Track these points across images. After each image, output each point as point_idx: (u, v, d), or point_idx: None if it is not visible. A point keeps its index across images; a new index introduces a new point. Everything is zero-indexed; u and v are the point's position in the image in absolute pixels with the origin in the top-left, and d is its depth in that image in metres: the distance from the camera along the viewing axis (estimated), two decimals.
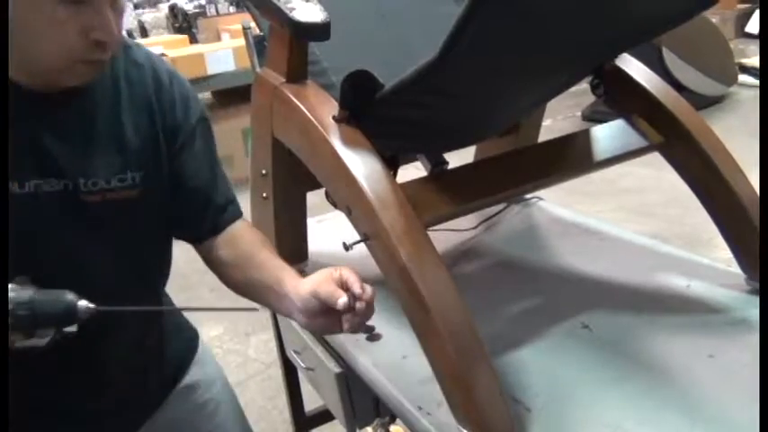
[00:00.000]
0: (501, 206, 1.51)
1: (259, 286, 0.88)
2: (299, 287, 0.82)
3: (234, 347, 2.58)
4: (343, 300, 0.76)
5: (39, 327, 0.71)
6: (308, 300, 0.80)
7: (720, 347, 0.96)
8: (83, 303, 0.72)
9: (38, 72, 0.74)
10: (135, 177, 0.84)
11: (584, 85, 1.21)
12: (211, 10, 7.11)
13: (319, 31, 0.95)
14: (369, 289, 0.78)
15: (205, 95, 4.55)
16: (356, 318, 0.78)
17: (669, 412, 0.85)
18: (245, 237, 0.94)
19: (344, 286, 0.78)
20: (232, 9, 6.95)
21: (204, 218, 0.93)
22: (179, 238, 0.96)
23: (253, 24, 1.29)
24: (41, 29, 0.69)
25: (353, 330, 0.80)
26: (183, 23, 7.32)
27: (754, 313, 1.03)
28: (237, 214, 0.96)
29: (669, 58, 4.30)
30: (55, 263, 0.80)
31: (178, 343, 1.06)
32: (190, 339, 1.10)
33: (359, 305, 0.77)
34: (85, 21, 0.70)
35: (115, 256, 0.86)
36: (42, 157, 0.77)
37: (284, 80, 1.03)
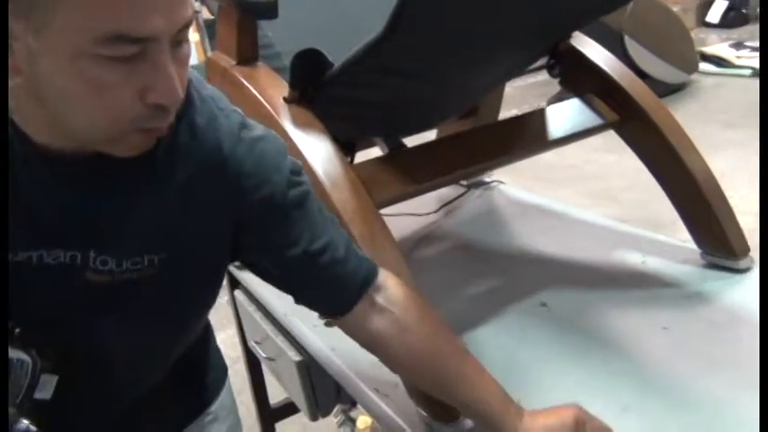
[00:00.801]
0: (461, 189, 1.51)
1: (462, 408, 0.76)
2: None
3: None
4: None
5: None
6: None
7: (675, 320, 0.97)
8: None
9: (79, 141, 0.57)
10: (153, 260, 0.65)
11: (548, 76, 1.21)
12: None
13: (266, 9, 0.93)
14: None
15: None
16: None
17: (625, 385, 0.85)
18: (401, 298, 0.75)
19: None
20: (197, 3, 6.86)
21: (325, 297, 0.75)
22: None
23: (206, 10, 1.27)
24: (86, 95, 0.52)
25: None
26: None
27: (707, 286, 1.04)
28: (370, 279, 0.74)
29: (631, 45, 4.35)
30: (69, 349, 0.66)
31: (204, 381, 0.94)
32: (217, 378, 0.98)
33: None
34: (142, 80, 0.52)
35: (129, 334, 0.69)
36: (39, 224, 0.61)
37: (234, 62, 1.01)
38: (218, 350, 0.99)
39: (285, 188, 0.68)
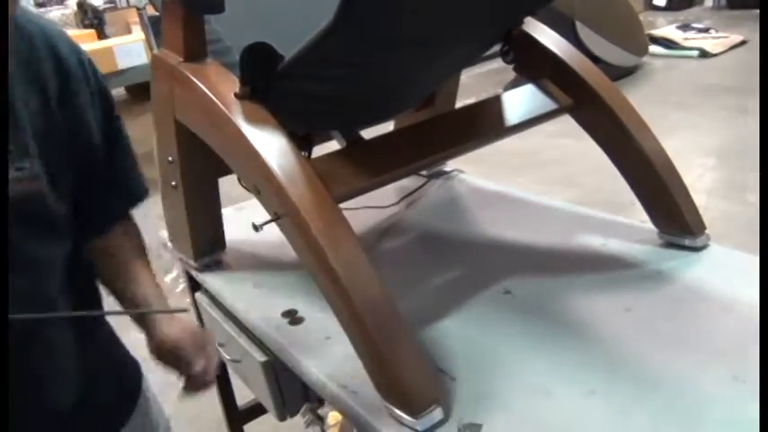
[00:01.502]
0: (422, 180, 1.50)
1: (129, 301, 0.89)
2: (164, 331, 0.86)
3: None
4: (196, 370, 0.86)
5: None
6: (169, 346, 0.86)
7: (637, 301, 0.98)
8: None
9: None
10: (35, 166, 0.72)
11: (503, 63, 1.21)
12: (122, 2, 6.83)
13: (213, 4, 0.90)
14: (213, 368, 0.88)
15: (118, 91, 4.35)
16: (195, 385, 0.88)
17: (591, 369, 0.86)
18: (124, 241, 0.92)
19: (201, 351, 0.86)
20: (142, 1, 6.69)
21: (92, 214, 0.88)
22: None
23: (150, 7, 1.23)
24: None
25: (187, 391, 0.89)
26: (92, 19, 6.99)
27: (667, 265, 1.06)
28: (123, 214, 0.93)
29: (582, 30, 4.42)
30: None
31: (117, 379, 0.99)
32: (131, 376, 1.03)
33: (199, 381, 0.87)
34: None
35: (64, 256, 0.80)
36: None
37: (182, 59, 0.98)
38: (126, 355, 1.04)
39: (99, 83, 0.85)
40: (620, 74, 4.66)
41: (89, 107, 0.82)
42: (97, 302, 0.94)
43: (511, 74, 1.23)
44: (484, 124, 1.10)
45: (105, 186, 0.88)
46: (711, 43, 5.33)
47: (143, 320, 0.88)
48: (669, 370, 0.84)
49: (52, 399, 0.84)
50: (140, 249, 0.95)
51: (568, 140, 2.96)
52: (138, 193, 0.95)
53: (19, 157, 0.71)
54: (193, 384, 0.88)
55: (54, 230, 0.79)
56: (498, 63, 1.19)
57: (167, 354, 0.87)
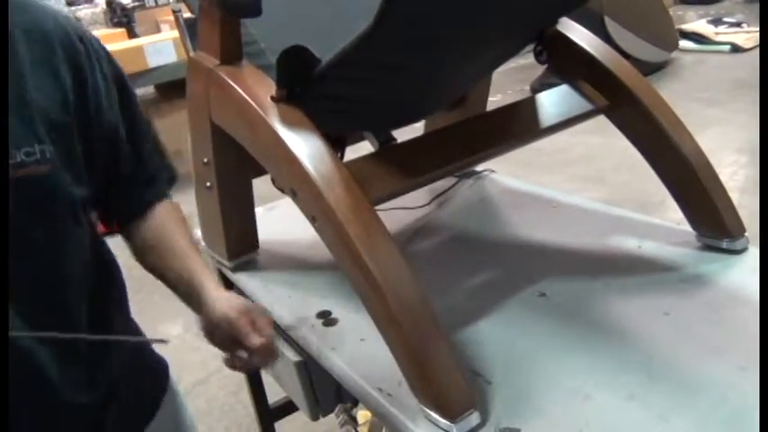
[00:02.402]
0: (453, 181, 1.50)
1: (176, 278, 0.88)
2: (216, 304, 0.83)
3: (194, 345, 2.52)
4: (255, 343, 0.81)
5: None
6: (220, 320, 0.82)
7: (675, 305, 0.96)
8: None
9: None
10: (45, 151, 0.72)
11: (531, 59, 1.20)
12: (150, 1, 6.89)
13: (249, 7, 0.91)
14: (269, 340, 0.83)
15: (148, 90, 4.41)
16: (251, 361, 0.83)
17: (629, 373, 0.85)
18: (168, 220, 0.91)
19: (253, 327, 0.82)
20: (178, 0, 6.75)
21: (126, 200, 0.89)
22: (102, 220, 0.90)
23: (186, 9, 1.24)
24: None
25: (239, 368, 0.86)
26: (121, 17, 7.08)
27: (705, 269, 1.04)
28: (162, 194, 0.93)
29: (611, 26, 4.36)
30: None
31: (141, 381, 0.97)
32: (156, 377, 1.01)
33: (256, 357, 0.82)
34: None
35: (28, 257, 0.74)
36: None
37: (219, 62, 0.99)
38: (152, 353, 1.03)
39: (117, 72, 0.85)
40: (650, 69, 4.59)
41: (105, 93, 0.81)
42: (117, 296, 0.93)
43: (536, 70, 1.22)
44: (519, 126, 1.09)
45: (135, 172, 0.88)
46: (743, 38, 5.22)
47: (192, 301, 0.87)
48: (710, 375, 0.83)
49: (71, 401, 0.82)
50: (183, 228, 0.93)
51: (596, 138, 2.93)
52: (171, 176, 0.96)
53: (28, 141, 0.71)
54: (255, 359, 0.83)
55: (67, 215, 0.78)
56: (524, 60, 1.19)
57: (220, 332, 0.83)
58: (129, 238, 0.92)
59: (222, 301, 0.83)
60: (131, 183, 0.89)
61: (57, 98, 0.75)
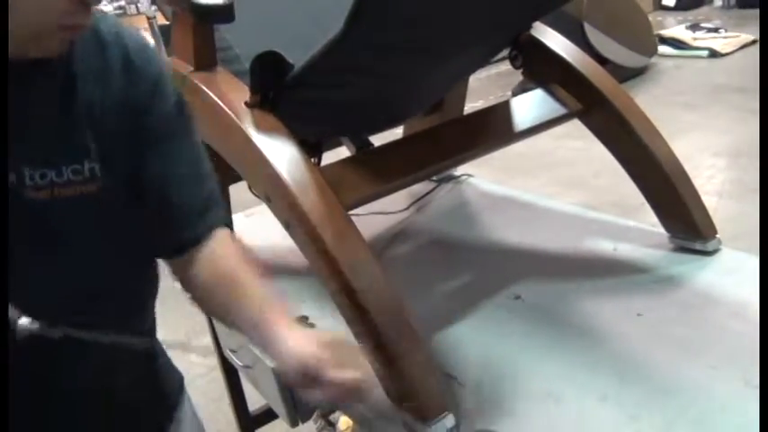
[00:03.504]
0: (431, 185, 1.50)
1: (242, 320, 0.74)
2: (291, 348, 0.69)
3: (175, 353, 2.50)
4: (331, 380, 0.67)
5: None
6: (296, 364, 0.68)
7: (648, 306, 0.98)
8: (24, 321, 0.63)
9: (12, 44, 0.59)
10: (94, 168, 0.68)
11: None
12: (132, 9, 6.86)
13: (222, 13, 0.91)
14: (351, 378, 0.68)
15: None
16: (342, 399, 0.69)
17: (602, 374, 0.86)
18: (227, 253, 0.77)
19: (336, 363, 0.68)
20: (154, 8, 6.72)
21: (178, 229, 0.76)
22: (156, 252, 0.80)
23: (160, 15, 1.24)
24: None
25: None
26: None
27: (678, 270, 1.06)
28: (218, 222, 0.78)
29: (591, 32, 4.40)
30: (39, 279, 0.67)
31: (158, 390, 0.89)
32: (173, 388, 0.93)
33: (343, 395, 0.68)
34: None
35: (66, 270, 0.69)
36: None
37: (192, 68, 0.99)
38: (169, 363, 0.94)
39: (177, 97, 0.75)
40: (629, 75, 4.64)
41: (165, 117, 0.74)
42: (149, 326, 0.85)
43: (518, 77, 1.23)
44: (494, 129, 1.10)
45: (190, 198, 0.77)
46: (721, 43, 5.30)
47: (260, 347, 0.75)
48: (681, 375, 0.84)
49: (79, 412, 0.77)
50: (243, 257, 0.78)
51: (577, 142, 2.95)
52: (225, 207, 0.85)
53: (76, 158, 0.67)
54: (344, 396, 0.69)
55: (110, 233, 0.72)
56: (506, 66, 1.19)
57: (299, 377, 0.69)
58: (179, 271, 0.79)
59: (296, 348, 0.69)
60: (182, 213, 0.76)
61: (112, 118, 0.69)
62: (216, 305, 0.78)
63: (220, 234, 0.77)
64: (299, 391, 0.71)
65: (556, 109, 1.12)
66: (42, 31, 0.60)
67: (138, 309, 0.81)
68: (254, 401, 1.61)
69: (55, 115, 0.66)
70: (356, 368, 0.68)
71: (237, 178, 1.05)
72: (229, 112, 0.91)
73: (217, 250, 0.76)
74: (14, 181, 0.64)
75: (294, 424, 1.21)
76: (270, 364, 1.12)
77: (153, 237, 0.77)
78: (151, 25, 1.05)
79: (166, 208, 0.75)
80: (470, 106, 1.45)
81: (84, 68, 0.68)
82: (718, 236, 1.09)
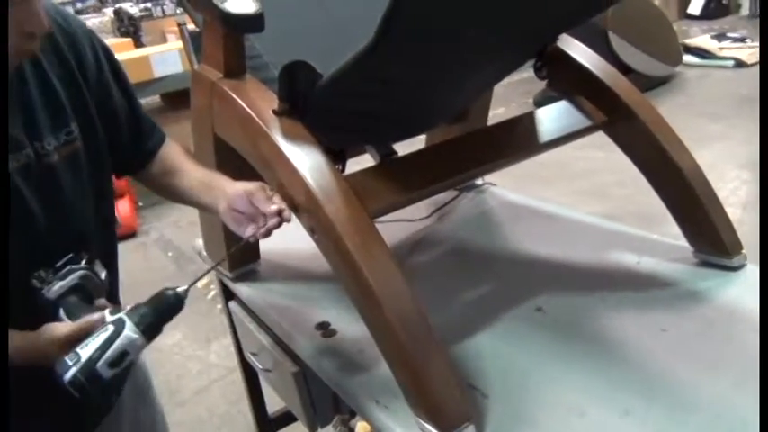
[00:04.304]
0: (453, 194, 1.51)
1: (189, 187, 0.99)
2: (236, 185, 0.92)
3: (195, 354, 2.53)
4: (273, 208, 0.86)
5: (164, 325, 0.79)
6: (238, 196, 0.90)
7: (672, 321, 0.97)
8: (180, 289, 0.80)
9: None
10: (75, 128, 0.87)
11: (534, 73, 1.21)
12: (157, 11, 6.95)
13: (253, 23, 0.92)
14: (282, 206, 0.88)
15: (153, 99, 4.43)
16: (267, 227, 0.87)
17: (625, 389, 0.85)
18: (175, 153, 1.04)
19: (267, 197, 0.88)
20: (179, 10, 6.80)
21: (139, 144, 1.00)
22: (118, 171, 1.00)
23: (191, 22, 1.26)
24: None
25: (258, 235, 0.88)
26: (128, 27, 7.13)
27: (702, 285, 1.05)
28: (163, 135, 1.05)
29: (615, 41, 4.37)
30: (54, 229, 0.85)
31: None
32: None
33: (273, 221, 0.86)
34: (18, 17, 0.73)
35: (93, 202, 0.92)
36: None
37: (222, 75, 1.00)
38: None
39: (102, 45, 0.96)
40: (654, 84, 4.60)
41: (101, 66, 0.93)
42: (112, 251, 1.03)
43: (539, 84, 1.23)
44: (518, 140, 1.10)
45: (138, 126, 1.00)
46: (747, 53, 5.24)
47: (212, 197, 0.95)
48: (705, 391, 0.83)
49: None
50: (189, 155, 1.05)
51: (597, 152, 2.93)
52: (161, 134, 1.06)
53: (66, 122, 0.86)
54: (273, 222, 0.87)
55: (87, 180, 0.91)
56: (527, 73, 1.19)
57: (241, 206, 0.89)
58: (144, 179, 1.04)
59: (239, 183, 0.92)
60: (138, 135, 1.00)
61: (69, 80, 0.87)
62: (172, 185, 1.01)
63: (166, 146, 1.04)
64: (238, 226, 0.90)
65: (581, 120, 1.12)
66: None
67: (111, 254, 1.01)
68: (273, 404, 1.62)
69: (38, 95, 0.84)
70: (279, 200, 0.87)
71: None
72: (257, 119, 0.92)
73: (167, 153, 1.03)
74: (32, 154, 0.82)
75: (313, 428, 1.23)
76: (291, 368, 1.13)
77: (120, 161, 0.98)
78: (181, 31, 1.07)
79: (126, 135, 0.97)
80: (492, 114, 1.45)
81: (49, 51, 0.85)
82: (744, 251, 1.08)
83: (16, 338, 0.80)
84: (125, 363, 0.75)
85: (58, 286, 0.82)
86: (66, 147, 0.86)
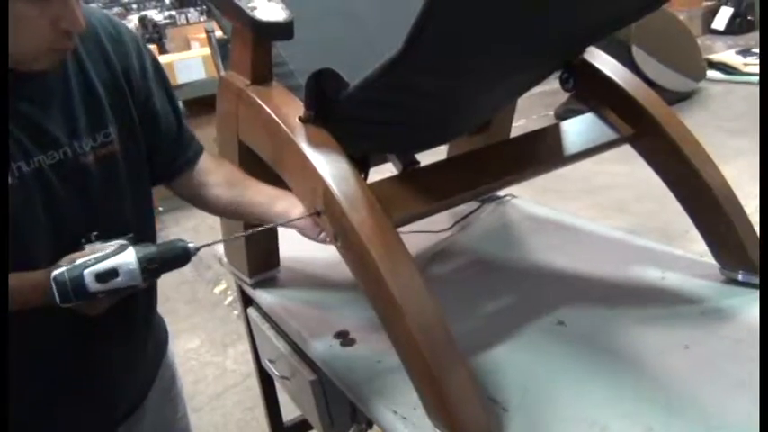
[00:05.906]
0: (475, 205, 1.50)
1: (250, 202, 1.00)
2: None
3: (211, 359, 2.53)
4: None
5: (164, 272, 0.80)
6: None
7: (696, 338, 0.95)
8: (192, 245, 0.82)
9: (14, 60, 0.78)
10: (113, 131, 0.89)
11: (556, 85, 1.21)
12: (182, 19, 7.03)
13: (282, 30, 0.93)
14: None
15: None
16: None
17: (647, 405, 0.84)
18: (223, 163, 1.05)
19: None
20: (203, 18, 6.87)
21: (179, 152, 1.01)
22: (156, 178, 1.00)
23: (218, 29, 1.27)
24: (14, 25, 0.73)
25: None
26: (153, 34, 7.22)
27: (727, 303, 1.03)
28: (201, 147, 1.05)
29: (639, 55, 4.35)
30: (82, 224, 0.85)
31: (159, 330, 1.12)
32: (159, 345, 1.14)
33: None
34: (54, 13, 0.75)
35: (130, 206, 0.93)
36: (37, 131, 0.82)
37: (249, 82, 1.01)
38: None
39: (151, 55, 0.98)
40: (677, 99, 4.56)
41: (147, 74, 0.95)
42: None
43: (561, 96, 1.22)
44: (542, 153, 1.10)
45: (179, 133, 1.01)
46: None
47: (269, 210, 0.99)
48: (728, 410, 0.82)
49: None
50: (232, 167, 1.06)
51: (619, 167, 2.91)
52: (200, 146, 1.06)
53: (104, 125, 0.88)
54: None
55: (126, 184, 0.92)
56: (549, 85, 1.18)
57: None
58: (178, 188, 1.03)
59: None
60: (178, 144, 1.01)
61: (113, 86, 0.89)
62: (228, 198, 1.01)
63: (207, 154, 1.05)
64: (308, 231, 0.95)
65: (607, 133, 1.11)
66: (38, 54, 0.78)
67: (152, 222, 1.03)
68: (289, 411, 1.62)
69: (79, 98, 0.86)
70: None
71: (285, 189, 1.07)
72: (284, 126, 0.93)
73: (213, 163, 1.04)
74: (69, 152, 0.84)
75: None
76: (309, 376, 1.13)
77: (159, 166, 0.99)
78: (209, 39, 1.08)
79: (166, 142, 0.98)
80: (514, 126, 1.45)
81: (85, 53, 0.87)
82: None
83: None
84: (112, 283, 0.75)
85: None
86: (103, 149, 0.88)
